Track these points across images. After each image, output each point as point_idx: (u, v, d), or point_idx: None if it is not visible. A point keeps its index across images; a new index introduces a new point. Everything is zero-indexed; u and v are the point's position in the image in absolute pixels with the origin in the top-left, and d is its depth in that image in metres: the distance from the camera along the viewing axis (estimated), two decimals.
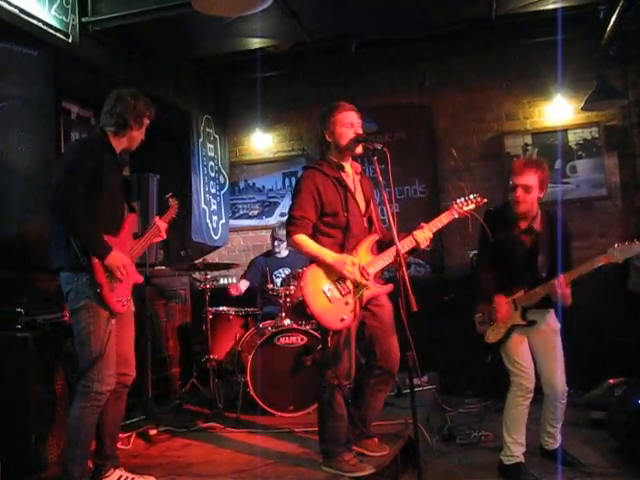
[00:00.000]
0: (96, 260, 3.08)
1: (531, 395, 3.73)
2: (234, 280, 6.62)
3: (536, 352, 3.77)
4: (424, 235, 3.38)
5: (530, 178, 3.61)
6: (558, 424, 3.82)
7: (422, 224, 3.45)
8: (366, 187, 3.65)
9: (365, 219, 3.54)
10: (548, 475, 3.71)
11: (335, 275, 3.32)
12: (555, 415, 3.78)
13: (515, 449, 3.74)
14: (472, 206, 3.53)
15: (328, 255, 3.33)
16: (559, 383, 3.70)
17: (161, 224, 3.57)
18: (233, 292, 5.75)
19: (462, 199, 3.53)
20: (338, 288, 3.32)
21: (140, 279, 3.44)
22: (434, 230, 3.44)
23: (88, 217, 3.10)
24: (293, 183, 6.74)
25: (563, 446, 3.88)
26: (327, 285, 3.31)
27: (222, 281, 6.62)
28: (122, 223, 3.35)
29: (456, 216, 3.50)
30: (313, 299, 3.28)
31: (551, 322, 3.76)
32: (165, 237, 3.61)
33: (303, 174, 3.53)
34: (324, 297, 3.29)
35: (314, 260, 3.38)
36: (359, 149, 3.49)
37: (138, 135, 3.41)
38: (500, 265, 3.79)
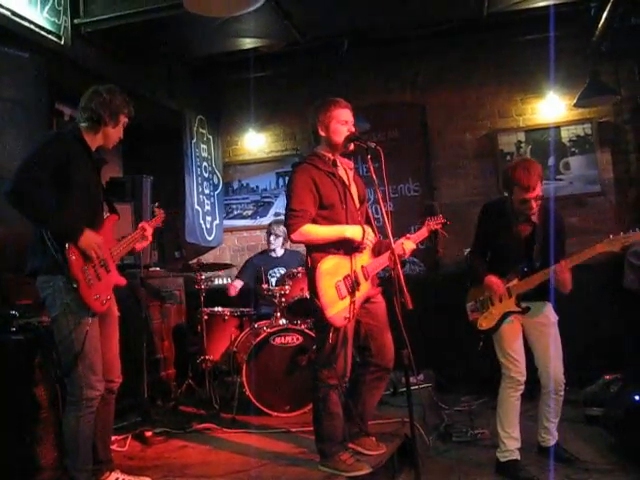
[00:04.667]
0: (72, 255, 2.93)
1: (522, 387, 3.74)
2: (229, 280, 6.61)
3: (533, 343, 3.79)
4: (409, 246, 3.57)
5: (539, 187, 3.62)
6: (555, 419, 3.82)
7: (408, 235, 3.62)
8: (360, 185, 3.65)
9: (360, 214, 3.53)
10: (545, 472, 3.71)
11: (344, 272, 3.33)
12: (552, 409, 3.78)
13: (510, 443, 3.75)
14: (439, 225, 3.86)
15: (346, 230, 3.37)
16: (556, 374, 3.70)
17: (147, 227, 3.50)
18: (232, 292, 5.77)
19: (432, 218, 3.88)
20: (346, 285, 3.33)
21: (122, 281, 3.30)
22: (417, 241, 3.68)
23: (55, 206, 2.97)
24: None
25: (560, 443, 3.89)
26: (338, 280, 3.32)
27: (217, 281, 6.61)
28: (100, 222, 3.23)
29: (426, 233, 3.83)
30: (325, 292, 3.26)
31: (548, 314, 3.77)
32: (150, 240, 3.56)
33: (296, 169, 3.49)
34: (335, 291, 3.29)
35: (319, 250, 3.35)
36: (351, 147, 3.49)
37: (114, 133, 3.27)
38: (496, 254, 3.84)
